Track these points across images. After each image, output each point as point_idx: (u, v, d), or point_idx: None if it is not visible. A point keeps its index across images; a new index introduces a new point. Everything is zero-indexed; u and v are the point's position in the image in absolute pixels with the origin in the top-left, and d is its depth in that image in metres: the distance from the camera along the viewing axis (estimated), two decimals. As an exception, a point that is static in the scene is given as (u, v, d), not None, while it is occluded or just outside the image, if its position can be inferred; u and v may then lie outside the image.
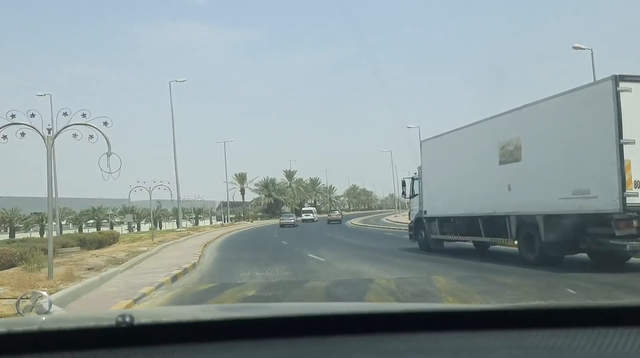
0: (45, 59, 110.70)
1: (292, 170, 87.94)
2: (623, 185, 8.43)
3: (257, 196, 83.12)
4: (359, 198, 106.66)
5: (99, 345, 0.95)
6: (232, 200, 74.47)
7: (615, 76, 8.63)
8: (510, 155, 11.62)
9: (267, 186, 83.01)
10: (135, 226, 56.29)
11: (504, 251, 14.17)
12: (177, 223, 40.49)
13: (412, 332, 1.00)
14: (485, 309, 1.10)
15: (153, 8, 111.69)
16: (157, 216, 60.16)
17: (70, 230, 42.32)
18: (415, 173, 17.63)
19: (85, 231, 41.25)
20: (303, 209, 63.74)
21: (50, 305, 1.77)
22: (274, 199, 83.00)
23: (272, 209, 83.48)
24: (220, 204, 79.04)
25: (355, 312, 1.12)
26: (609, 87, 8.68)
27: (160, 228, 42.95)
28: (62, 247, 16.07)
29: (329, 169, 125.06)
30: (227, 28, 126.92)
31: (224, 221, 66.83)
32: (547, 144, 10.44)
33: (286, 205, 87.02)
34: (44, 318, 1.43)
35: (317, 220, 54.79)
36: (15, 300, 1.73)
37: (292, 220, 45.54)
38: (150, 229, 32.70)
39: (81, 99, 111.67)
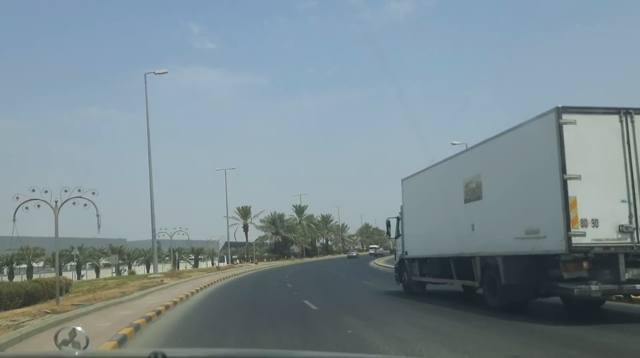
0: (58, 102, 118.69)
1: (302, 205, 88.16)
2: (568, 224, 8.68)
3: (262, 233, 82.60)
4: (372, 238, 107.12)
5: None
6: (234, 240, 74.75)
7: (558, 108, 9.01)
8: (473, 193, 11.97)
9: (275, 222, 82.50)
10: (126, 269, 57.12)
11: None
12: (154, 267, 35.26)
13: None
14: None
15: (164, 54, 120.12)
16: (150, 258, 60.95)
17: (50, 273, 42.97)
18: (400, 213, 18.08)
19: (66, 275, 41.80)
20: (371, 246, 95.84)
21: (87, 342, 1.89)
22: (282, 238, 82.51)
23: (279, 249, 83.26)
24: (224, 245, 79.23)
25: None
26: (552, 119, 9.05)
27: (154, 271, 40.44)
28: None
29: (341, 205, 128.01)
30: (237, 72, 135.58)
31: (226, 263, 67.13)
32: (503, 181, 10.83)
33: (295, 244, 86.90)
34: (77, 353, 1.63)
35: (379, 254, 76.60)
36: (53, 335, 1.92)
37: (355, 253, 78.67)
38: (130, 272, 32.32)
39: (93, 139, 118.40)
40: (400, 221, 17.72)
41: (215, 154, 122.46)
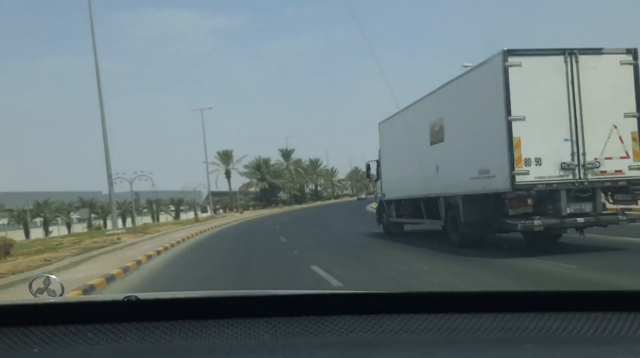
0: (25, 52, 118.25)
1: (289, 149, 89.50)
2: (512, 163, 10.24)
3: (247, 180, 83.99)
4: (362, 182, 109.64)
5: (107, 320, 1.21)
6: (216, 189, 76.35)
7: (504, 51, 10.37)
8: (436, 136, 13.53)
9: (260, 167, 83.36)
10: (101, 223, 58.98)
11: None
12: (112, 221, 32.28)
13: (408, 313, 1.20)
14: (481, 292, 1.29)
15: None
16: (126, 210, 62.82)
17: (16, 231, 44.62)
18: (379, 156, 19.75)
19: (35, 232, 43.45)
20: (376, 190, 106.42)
21: (62, 290, 1.99)
22: (269, 184, 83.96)
23: (266, 197, 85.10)
24: (208, 195, 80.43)
25: (352, 294, 1.33)
26: (498, 63, 10.43)
27: (113, 226, 36.15)
28: None
29: (330, 148, 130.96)
30: (212, 14, 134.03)
31: (209, 213, 69.04)
32: (460, 123, 12.36)
33: (283, 191, 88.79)
34: (52, 300, 1.73)
35: None
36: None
37: (364, 196, 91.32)
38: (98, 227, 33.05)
39: (64, 91, 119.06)
40: (378, 164, 19.41)
41: (193, 100, 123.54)
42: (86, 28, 28.96)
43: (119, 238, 23.46)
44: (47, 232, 51.16)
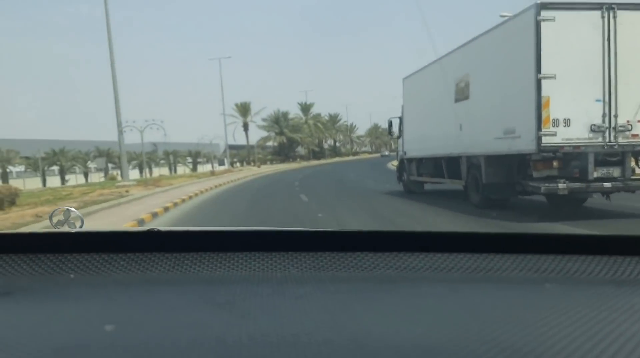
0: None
1: (308, 103, 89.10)
2: (539, 124, 9.96)
3: (265, 134, 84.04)
4: (381, 139, 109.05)
5: (136, 249, 1.27)
6: (234, 142, 76.48)
7: (537, 4, 9.95)
8: (462, 93, 13.24)
9: (278, 121, 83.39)
10: (117, 173, 59.60)
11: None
12: (122, 173, 32.18)
13: (430, 252, 1.25)
14: (502, 234, 1.35)
15: None
16: (143, 161, 63.27)
17: (32, 178, 45.20)
18: (402, 112, 19.50)
19: (51, 180, 44.03)
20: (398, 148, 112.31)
21: (82, 223, 2.02)
22: (287, 139, 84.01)
23: (284, 151, 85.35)
24: (225, 148, 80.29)
25: (375, 232, 1.41)
26: (530, 17, 10.04)
27: (124, 178, 34.04)
28: None
29: (350, 104, 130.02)
30: None
31: (226, 166, 69.43)
32: (487, 80, 12.05)
33: (301, 146, 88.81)
34: (74, 231, 1.77)
35: None
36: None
37: (387, 153, 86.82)
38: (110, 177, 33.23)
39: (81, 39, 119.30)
40: (401, 122, 19.17)
41: (210, 50, 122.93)
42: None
43: (127, 191, 22.31)
44: (63, 181, 51.89)
